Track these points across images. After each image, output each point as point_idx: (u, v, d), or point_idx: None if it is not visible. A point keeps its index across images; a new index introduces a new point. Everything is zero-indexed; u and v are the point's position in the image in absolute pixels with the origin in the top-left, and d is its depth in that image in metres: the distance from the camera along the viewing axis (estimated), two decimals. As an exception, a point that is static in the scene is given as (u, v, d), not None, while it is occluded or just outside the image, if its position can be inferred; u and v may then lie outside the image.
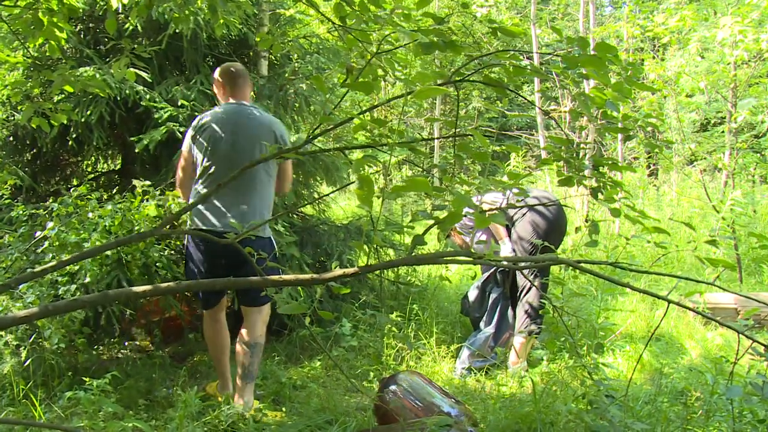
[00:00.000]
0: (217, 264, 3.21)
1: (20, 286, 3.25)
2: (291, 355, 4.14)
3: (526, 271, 3.76)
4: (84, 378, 3.10)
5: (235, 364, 3.32)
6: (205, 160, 3.19)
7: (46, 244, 3.39)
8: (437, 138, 10.30)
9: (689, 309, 2.14)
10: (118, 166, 5.14)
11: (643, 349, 3.02)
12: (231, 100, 3.31)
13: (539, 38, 10.54)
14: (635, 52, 9.27)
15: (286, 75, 4.65)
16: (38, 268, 1.87)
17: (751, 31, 5.82)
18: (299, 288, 4.08)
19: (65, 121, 3.14)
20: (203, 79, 4.27)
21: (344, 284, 1.90)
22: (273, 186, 3.34)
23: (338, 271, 1.80)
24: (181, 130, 3.86)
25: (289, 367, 3.92)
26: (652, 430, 2.79)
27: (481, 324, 4.25)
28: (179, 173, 3.32)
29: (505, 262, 2.49)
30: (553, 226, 3.99)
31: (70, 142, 4.26)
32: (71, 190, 3.66)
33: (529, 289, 4.01)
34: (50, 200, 3.68)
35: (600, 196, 2.03)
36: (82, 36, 4.44)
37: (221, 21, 2.96)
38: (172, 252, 3.81)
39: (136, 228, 3.48)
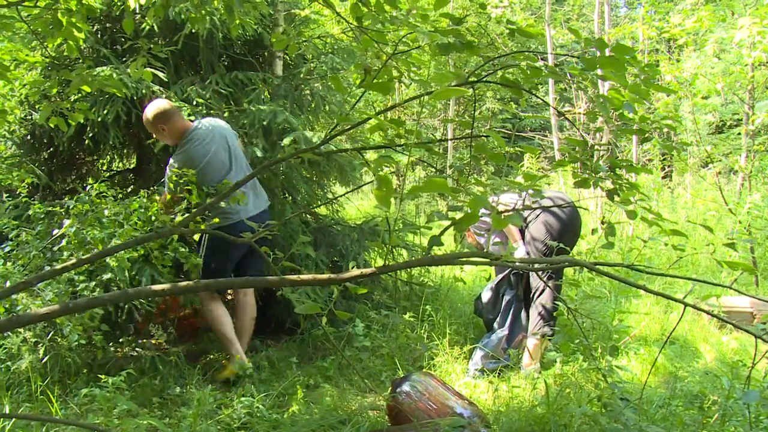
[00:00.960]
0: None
1: (38, 284, 3.28)
2: (304, 354, 4.15)
3: (539, 272, 3.75)
4: (99, 375, 3.13)
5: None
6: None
7: (64, 242, 3.41)
8: (453, 139, 10.29)
9: (705, 312, 2.12)
10: (134, 165, 5.18)
11: (658, 352, 3.00)
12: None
13: (554, 39, 10.50)
14: (651, 54, 9.21)
15: (301, 75, 4.66)
16: (59, 266, 1.89)
17: (769, 32, 5.76)
18: (317, 289, 4.11)
19: (82, 121, 3.17)
20: (218, 78, 4.29)
21: (359, 284, 1.90)
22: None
23: (355, 272, 1.80)
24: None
25: (303, 366, 3.93)
26: (667, 434, 2.78)
27: (495, 325, 4.24)
28: None
29: (521, 264, 2.49)
30: (567, 227, 3.97)
31: (86, 141, 4.29)
32: (87, 188, 3.68)
33: (543, 290, 3.99)
34: (66, 198, 3.70)
35: (616, 198, 2.02)
36: (99, 36, 4.47)
37: (237, 21, 2.97)
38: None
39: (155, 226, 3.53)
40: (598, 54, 1.76)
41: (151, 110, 3.65)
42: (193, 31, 3.99)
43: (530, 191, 1.84)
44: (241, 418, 3.07)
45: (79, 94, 3.89)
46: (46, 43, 3.28)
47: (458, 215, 1.60)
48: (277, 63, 4.68)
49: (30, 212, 3.68)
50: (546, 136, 13.83)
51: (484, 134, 1.98)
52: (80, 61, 4.02)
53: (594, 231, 2.72)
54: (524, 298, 4.24)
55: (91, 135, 4.20)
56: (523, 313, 4.21)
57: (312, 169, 4.58)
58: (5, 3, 2.47)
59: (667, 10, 8.00)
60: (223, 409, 3.16)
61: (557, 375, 3.57)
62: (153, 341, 4.19)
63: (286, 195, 4.65)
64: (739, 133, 8.69)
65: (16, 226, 3.67)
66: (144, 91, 3.95)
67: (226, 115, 4.19)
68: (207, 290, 3.63)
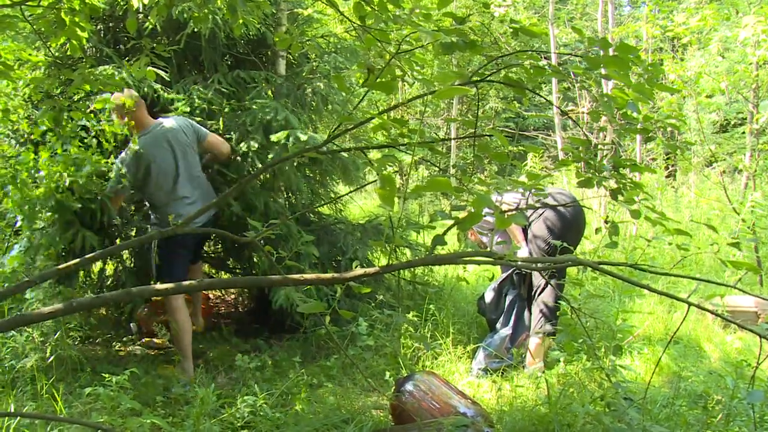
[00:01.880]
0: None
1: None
2: (307, 353, 4.15)
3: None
4: (103, 374, 3.13)
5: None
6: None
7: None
8: (456, 138, 10.27)
9: (709, 311, 2.12)
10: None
11: (662, 352, 2.99)
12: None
13: (557, 38, 10.48)
14: (654, 52, 9.18)
15: (304, 74, 4.65)
16: (62, 265, 1.89)
17: (774, 30, 5.74)
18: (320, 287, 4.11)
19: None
20: (221, 78, 4.29)
21: (363, 283, 1.90)
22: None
23: (359, 271, 1.80)
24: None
25: (306, 365, 3.93)
26: (671, 434, 2.77)
27: (498, 325, 4.23)
28: None
29: (525, 263, 2.48)
30: (570, 225, 3.95)
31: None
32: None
33: (544, 288, 3.98)
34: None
35: (620, 197, 2.01)
36: (102, 35, 4.48)
37: (240, 21, 2.97)
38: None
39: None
40: (602, 53, 1.75)
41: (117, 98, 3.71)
42: (196, 30, 3.99)
43: (533, 190, 1.83)
44: (245, 417, 3.07)
45: (82, 93, 3.89)
46: (49, 43, 3.28)
47: (461, 214, 1.60)
48: (280, 62, 4.68)
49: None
50: (549, 135, 13.82)
51: (488, 133, 1.98)
52: (83, 60, 4.02)
53: (598, 230, 2.72)
54: (527, 298, 4.24)
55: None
56: (526, 313, 4.20)
57: (315, 168, 4.57)
58: (8, 2, 2.47)
59: (671, 9, 7.97)
60: (226, 408, 3.16)
61: (561, 374, 3.57)
62: (156, 340, 4.20)
63: (289, 195, 4.65)
64: (744, 132, 8.66)
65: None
66: (146, 89, 3.95)
67: (227, 111, 4.19)
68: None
